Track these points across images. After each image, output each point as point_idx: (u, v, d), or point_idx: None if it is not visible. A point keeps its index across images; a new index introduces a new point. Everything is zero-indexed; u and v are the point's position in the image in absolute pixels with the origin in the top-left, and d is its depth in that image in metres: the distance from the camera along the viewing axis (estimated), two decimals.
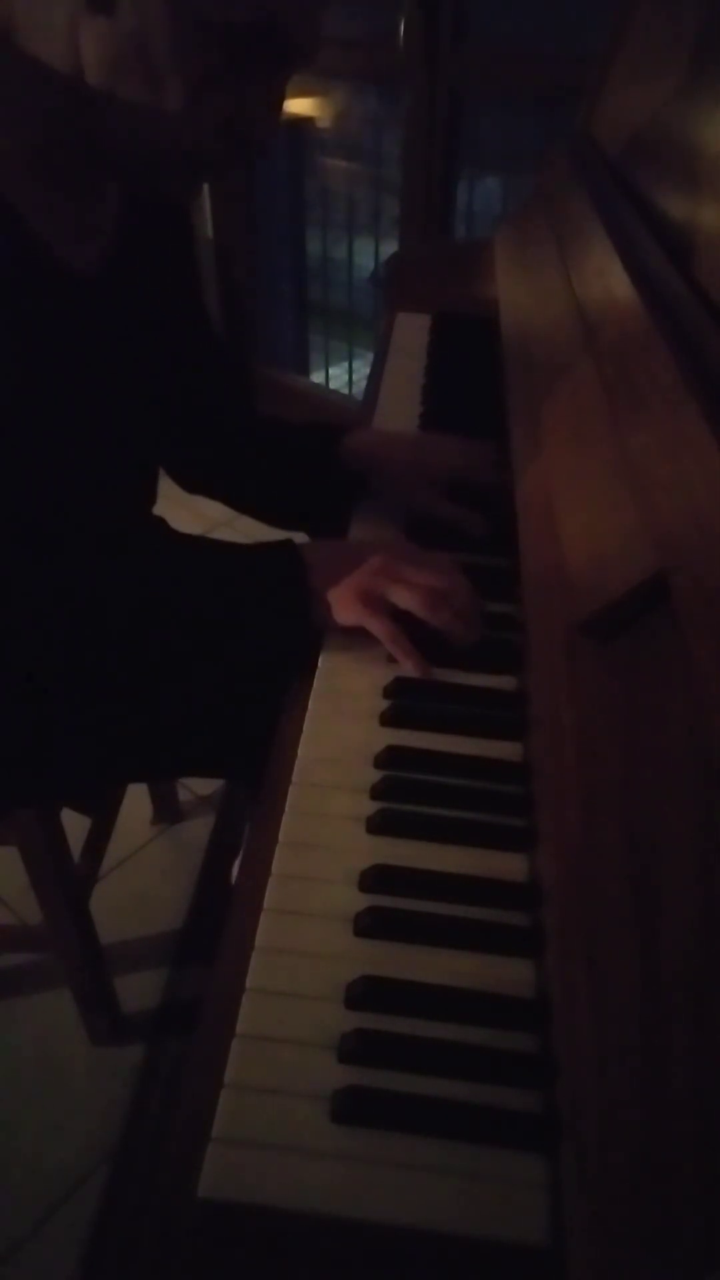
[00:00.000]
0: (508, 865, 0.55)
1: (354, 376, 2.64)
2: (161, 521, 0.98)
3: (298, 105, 2.31)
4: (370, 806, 0.58)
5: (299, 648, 0.71)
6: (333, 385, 2.71)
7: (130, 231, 0.72)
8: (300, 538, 0.74)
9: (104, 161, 0.63)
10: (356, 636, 0.71)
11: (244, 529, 0.73)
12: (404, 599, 0.67)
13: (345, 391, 2.65)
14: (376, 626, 0.68)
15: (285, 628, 0.69)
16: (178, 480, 1.01)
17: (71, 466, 0.70)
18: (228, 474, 0.99)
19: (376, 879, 0.53)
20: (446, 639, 0.68)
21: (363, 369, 2.54)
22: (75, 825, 1.02)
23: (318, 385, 2.72)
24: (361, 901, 0.52)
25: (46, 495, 0.69)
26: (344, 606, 0.68)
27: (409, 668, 0.68)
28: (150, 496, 0.93)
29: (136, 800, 1.43)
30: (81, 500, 0.72)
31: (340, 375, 2.69)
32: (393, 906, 0.52)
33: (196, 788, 1.55)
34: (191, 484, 1.02)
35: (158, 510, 0.98)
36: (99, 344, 0.69)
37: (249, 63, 0.57)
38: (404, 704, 0.65)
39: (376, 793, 0.59)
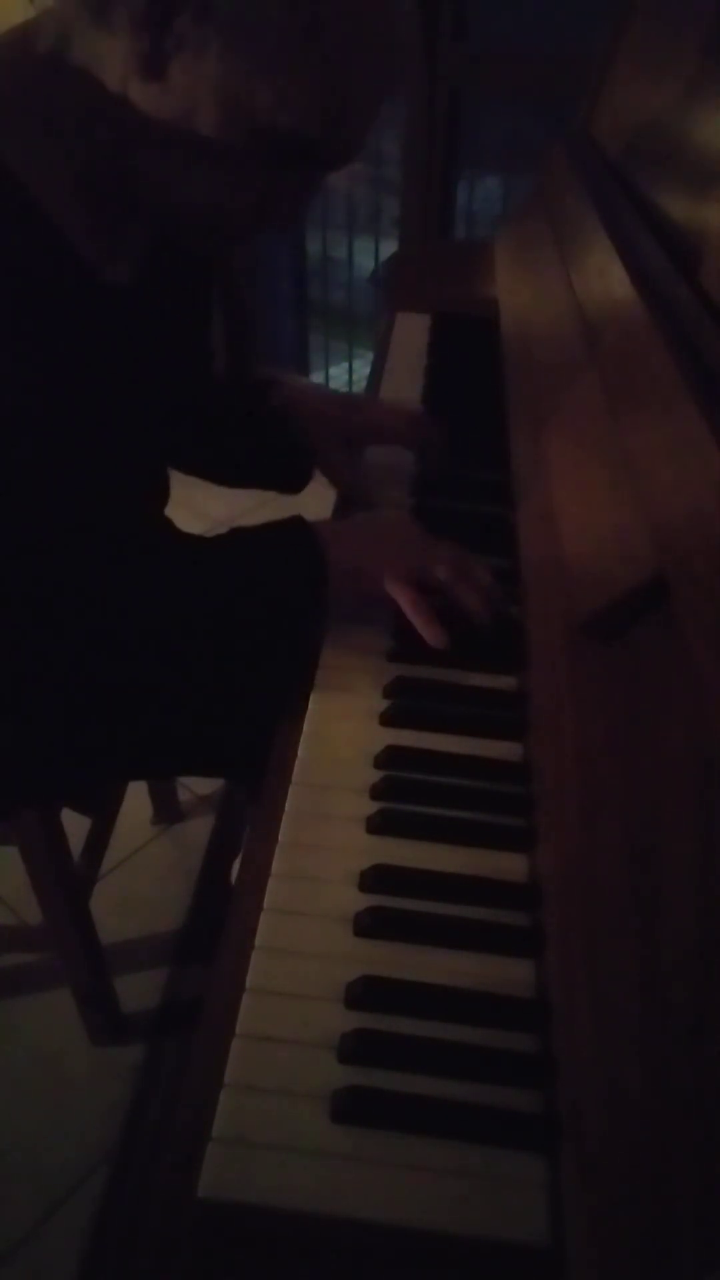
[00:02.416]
0: (508, 865, 0.55)
1: (354, 376, 2.64)
2: (168, 522, 0.98)
3: None
4: (370, 806, 0.58)
5: (316, 622, 0.72)
6: (333, 385, 2.71)
7: (161, 251, 0.73)
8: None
9: (138, 198, 0.63)
10: (356, 636, 0.71)
11: None
12: (441, 571, 0.70)
13: (345, 391, 2.65)
14: (406, 595, 0.69)
15: (305, 604, 0.71)
16: None
17: (95, 468, 0.70)
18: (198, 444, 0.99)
19: (376, 879, 0.53)
20: (465, 614, 0.70)
21: (363, 369, 2.54)
22: (75, 825, 1.02)
23: (318, 385, 2.72)
24: (361, 901, 0.52)
25: (68, 495, 0.69)
26: (377, 577, 0.70)
27: (430, 635, 0.69)
28: (164, 497, 0.93)
29: (136, 800, 1.43)
30: (102, 500, 0.73)
31: (340, 375, 2.69)
32: (393, 906, 0.52)
33: (196, 788, 1.55)
34: None
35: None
36: (124, 349, 0.69)
37: (287, 161, 0.58)
38: (404, 704, 0.65)
39: (376, 793, 0.59)
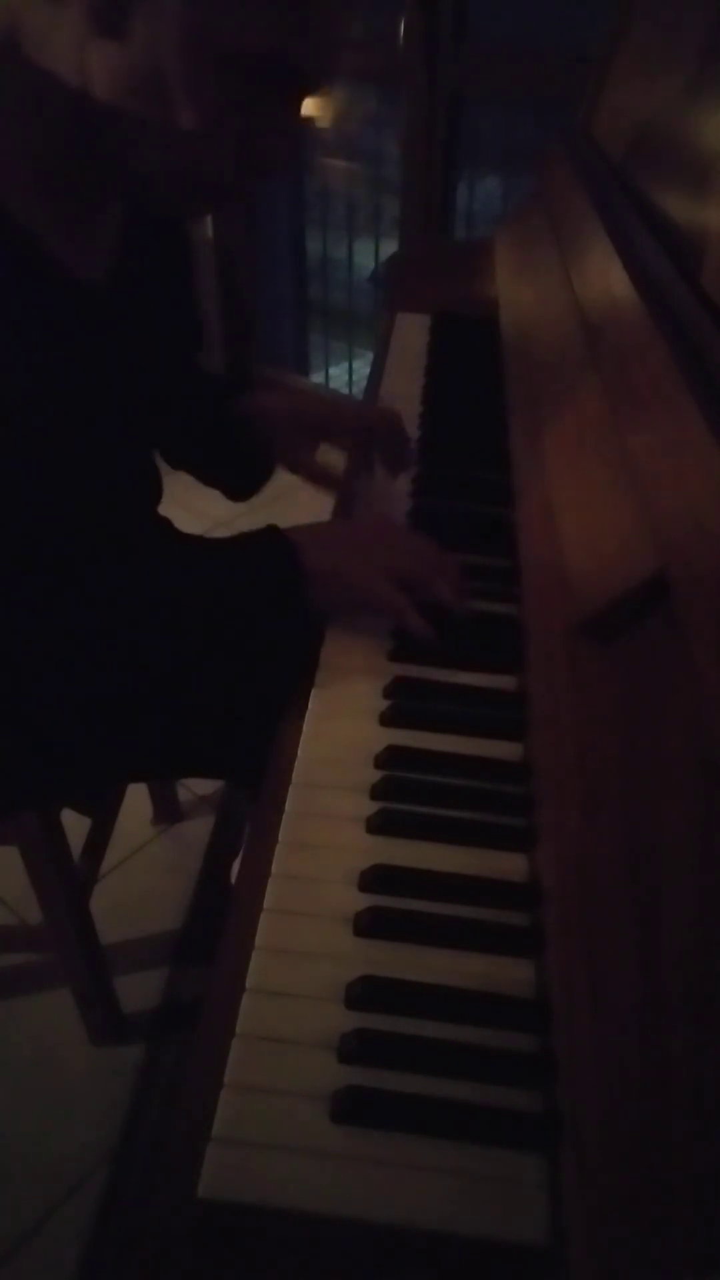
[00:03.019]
0: (508, 865, 0.55)
1: (354, 376, 2.64)
2: (167, 523, 0.98)
3: None
4: (370, 806, 0.58)
5: (297, 630, 0.72)
6: (333, 385, 2.71)
7: (133, 239, 0.72)
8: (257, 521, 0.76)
9: (108, 176, 0.62)
10: (356, 636, 0.71)
11: (244, 528, 0.73)
12: (414, 568, 0.71)
13: (345, 391, 2.65)
14: (384, 596, 0.70)
15: (283, 611, 0.71)
16: None
17: (78, 470, 0.70)
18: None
19: (376, 879, 0.53)
20: (440, 606, 0.71)
21: (363, 369, 2.54)
22: (75, 825, 1.02)
23: (318, 385, 2.72)
24: (361, 901, 0.52)
25: (52, 499, 0.69)
26: (353, 581, 0.71)
27: (415, 630, 0.70)
28: (155, 494, 0.93)
29: (136, 800, 1.43)
30: (87, 503, 0.72)
31: (340, 375, 2.69)
32: (393, 906, 0.52)
33: (196, 788, 1.55)
34: None
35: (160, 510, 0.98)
36: (104, 350, 0.69)
37: (263, 89, 0.56)
38: (404, 704, 0.65)
39: (376, 793, 0.59)
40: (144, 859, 1.43)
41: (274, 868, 0.54)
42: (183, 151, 0.57)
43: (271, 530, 0.72)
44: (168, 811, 1.49)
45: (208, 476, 1.00)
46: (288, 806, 0.58)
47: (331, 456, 0.97)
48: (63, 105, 0.56)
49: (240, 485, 0.97)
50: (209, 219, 2.46)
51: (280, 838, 0.56)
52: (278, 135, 0.60)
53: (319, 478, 0.97)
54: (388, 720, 0.64)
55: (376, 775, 0.60)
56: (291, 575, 0.70)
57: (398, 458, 0.93)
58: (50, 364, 0.63)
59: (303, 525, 0.74)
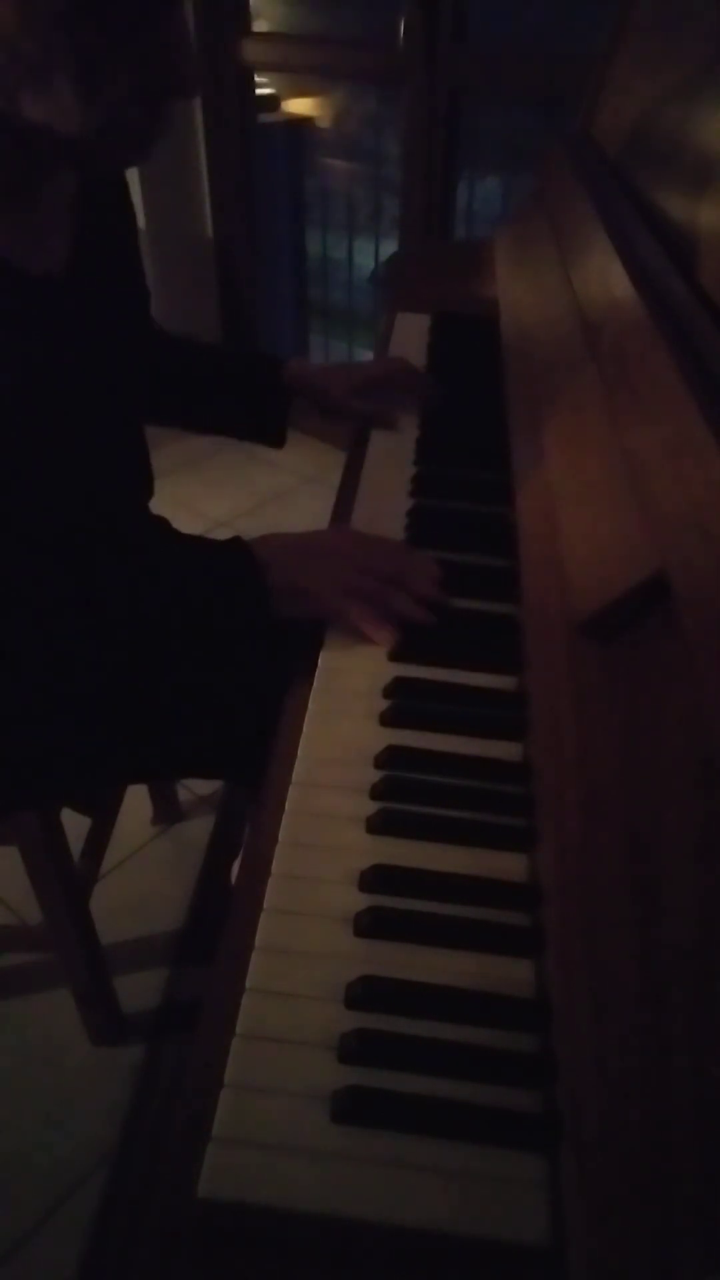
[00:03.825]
0: (508, 865, 0.55)
1: None
2: (164, 522, 0.98)
3: (298, 105, 2.31)
4: (370, 806, 0.58)
5: (263, 639, 0.73)
6: None
7: (86, 221, 0.72)
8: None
9: (30, 164, 0.62)
10: (356, 636, 0.71)
11: (244, 528, 0.73)
12: (376, 579, 0.72)
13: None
14: (347, 611, 0.71)
15: (248, 623, 0.72)
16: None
17: (61, 465, 0.70)
18: (173, 399, 1.04)
19: (376, 879, 0.53)
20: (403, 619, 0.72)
21: None
22: (75, 825, 1.03)
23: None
24: (361, 901, 0.52)
25: (38, 497, 0.69)
26: (317, 595, 0.71)
27: (381, 639, 0.70)
28: (147, 490, 0.93)
29: (136, 800, 1.43)
30: (73, 498, 0.72)
31: None
32: (393, 906, 0.52)
33: (196, 788, 1.55)
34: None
35: (159, 510, 0.98)
36: (73, 342, 0.68)
37: (123, 22, 0.54)
38: (404, 704, 0.65)
39: (376, 793, 0.59)
40: (144, 859, 1.43)
41: (274, 868, 0.54)
42: (79, 117, 0.56)
43: (238, 547, 0.72)
44: (168, 811, 1.49)
45: (241, 429, 1.08)
46: (288, 806, 0.58)
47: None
48: None
49: (273, 429, 1.05)
50: (209, 219, 2.46)
51: (280, 838, 0.56)
52: (166, 62, 0.58)
53: (370, 418, 1.02)
54: (388, 720, 0.64)
55: (376, 775, 0.60)
56: (256, 593, 0.70)
57: (420, 389, 1.05)
58: (17, 363, 0.63)
59: (270, 537, 0.74)
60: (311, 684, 0.68)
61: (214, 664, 0.77)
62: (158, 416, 1.02)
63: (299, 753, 0.62)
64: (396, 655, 0.70)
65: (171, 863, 1.43)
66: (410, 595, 0.72)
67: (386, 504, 0.89)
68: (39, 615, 0.68)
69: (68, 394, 0.68)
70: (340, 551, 0.74)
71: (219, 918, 0.52)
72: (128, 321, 0.77)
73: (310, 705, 0.66)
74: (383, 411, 1.03)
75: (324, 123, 2.32)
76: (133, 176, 1.31)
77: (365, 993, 0.47)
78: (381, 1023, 0.46)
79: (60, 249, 0.68)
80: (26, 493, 0.68)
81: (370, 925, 0.51)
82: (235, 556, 0.72)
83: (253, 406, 1.05)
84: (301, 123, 2.33)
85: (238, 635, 0.72)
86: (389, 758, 0.61)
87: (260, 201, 2.46)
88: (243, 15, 2.17)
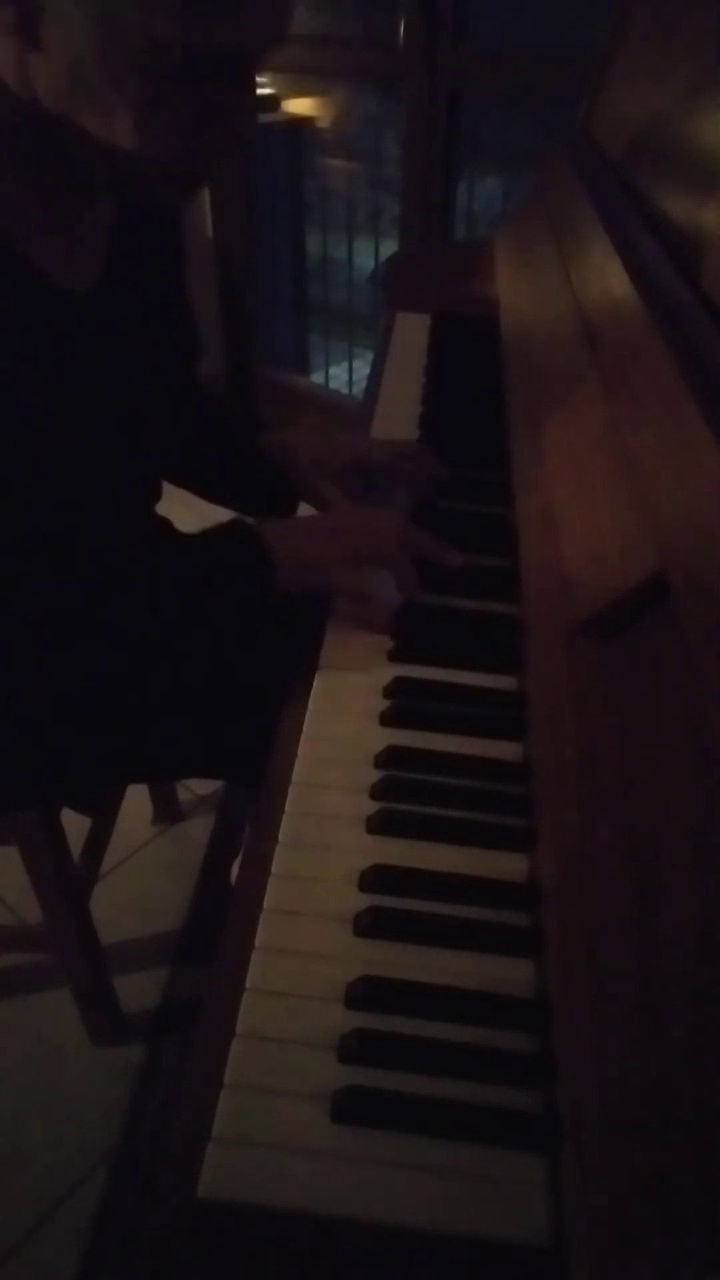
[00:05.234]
0: (508, 865, 0.55)
1: (354, 376, 2.64)
2: (167, 523, 0.98)
3: (298, 105, 2.31)
4: (370, 806, 0.58)
5: (268, 625, 0.73)
6: (333, 385, 2.70)
7: (123, 240, 0.72)
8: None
9: (79, 180, 0.62)
10: (356, 636, 0.71)
11: None
12: (380, 553, 0.73)
13: (345, 391, 2.65)
14: (348, 584, 0.73)
15: (254, 600, 0.72)
16: None
17: (74, 475, 0.70)
18: (183, 456, 0.99)
19: (376, 879, 0.53)
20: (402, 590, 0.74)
21: (363, 369, 2.54)
22: (75, 825, 1.02)
23: (318, 385, 2.72)
24: (361, 901, 0.52)
25: (49, 503, 0.69)
26: (323, 567, 0.72)
27: (378, 619, 0.72)
28: (155, 495, 0.93)
29: (136, 800, 1.43)
30: (84, 506, 0.72)
31: (340, 375, 2.69)
32: (393, 906, 0.52)
33: (196, 788, 1.55)
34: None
35: (159, 509, 0.98)
36: (97, 356, 0.69)
37: (195, 77, 0.55)
38: (404, 704, 0.65)
39: (376, 793, 0.59)
40: (144, 859, 1.43)
41: (274, 868, 0.54)
42: (135, 148, 0.57)
43: (239, 523, 0.73)
44: (168, 811, 1.49)
45: (242, 501, 1.01)
46: (288, 806, 0.58)
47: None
48: (21, 118, 0.57)
49: (276, 507, 0.97)
50: (209, 218, 2.46)
51: (280, 838, 0.56)
52: (227, 119, 0.59)
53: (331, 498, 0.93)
54: (388, 720, 0.64)
55: (376, 775, 0.60)
56: (260, 564, 0.70)
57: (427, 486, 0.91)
58: (40, 373, 0.63)
59: (270, 520, 0.75)
60: (312, 684, 0.68)
61: (220, 650, 0.77)
62: (185, 483, 1.00)
63: (299, 753, 0.62)
64: (396, 655, 0.70)
65: (171, 863, 1.43)
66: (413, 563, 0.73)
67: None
68: (44, 616, 0.68)
69: (87, 403, 0.68)
70: (343, 526, 0.76)
71: (219, 918, 0.52)
72: (157, 345, 0.78)
73: (310, 705, 0.66)
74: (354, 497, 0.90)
75: (324, 123, 2.31)
76: None
77: (365, 993, 0.47)
78: (381, 1023, 0.46)
79: (92, 267, 0.68)
80: (36, 496, 0.68)
81: (370, 925, 0.51)
82: (238, 532, 0.73)
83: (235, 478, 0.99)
84: (301, 123, 2.33)
85: (244, 611, 0.72)
86: (389, 758, 0.61)
87: (260, 201, 2.46)
88: None
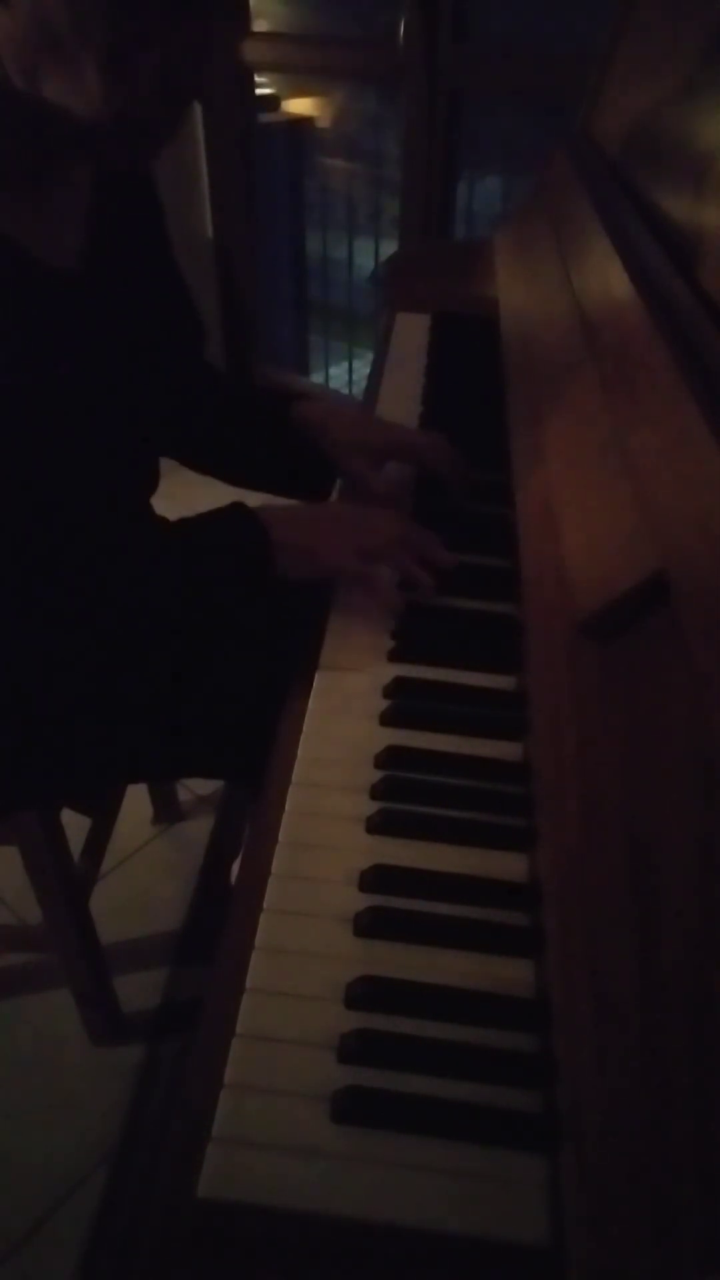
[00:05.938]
0: (508, 865, 0.55)
1: (354, 376, 2.64)
2: (164, 521, 0.98)
3: (298, 105, 2.31)
4: (370, 806, 0.58)
5: (278, 610, 0.74)
6: (333, 385, 2.71)
7: (103, 217, 0.72)
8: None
9: (49, 148, 0.62)
10: (356, 636, 0.71)
11: None
12: (382, 544, 0.73)
13: (345, 391, 2.65)
14: (353, 568, 0.73)
15: (254, 582, 0.71)
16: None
17: (68, 460, 0.70)
18: (194, 437, 0.99)
19: (376, 879, 0.53)
20: (411, 584, 0.74)
21: (363, 369, 2.54)
22: (75, 825, 1.02)
23: (318, 385, 2.72)
24: (361, 901, 0.52)
25: (41, 491, 0.69)
26: (323, 553, 0.72)
27: (385, 598, 0.73)
28: (151, 485, 0.92)
29: (136, 800, 1.43)
30: (78, 493, 0.72)
31: (340, 375, 2.69)
32: (393, 906, 0.52)
33: (196, 788, 1.55)
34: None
35: (159, 510, 0.98)
36: (84, 335, 0.69)
37: (155, 19, 0.55)
38: (404, 704, 0.65)
39: (376, 793, 0.59)
40: (144, 859, 1.43)
41: (274, 868, 0.54)
42: (99, 102, 0.57)
43: (238, 506, 0.73)
44: (168, 811, 1.49)
45: (279, 485, 0.99)
46: (288, 806, 0.58)
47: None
48: None
49: (315, 486, 0.96)
50: (209, 218, 2.46)
51: (280, 838, 0.56)
52: (191, 60, 0.59)
53: (381, 497, 0.90)
54: (388, 720, 0.64)
55: (376, 775, 0.60)
56: (259, 546, 0.70)
57: (457, 478, 0.91)
58: (27, 352, 0.63)
59: (270, 505, 0.74)
60: (311, 684, 0.68)
61: (219, 635, 0.77)
62: (202, 465, 0.99)
63: (299, 753, 0.62)
64: (396, 655, 0.70)
65: (171, 863, 1.43)
66: (414, 558, 0.73)
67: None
68: (42, 612, 0.68)
69: (76, 384, 0.68)
70: (343, 517, 0.76)
71: (219, 918, 0.52)
72: (147, 321, 0.77)
73: (310, 705, 0.66)
74: (394, 499, 0.90)
75: (324, 123, 2.32)
76: None
77: (365, 993, 0.47)
78: (381, 1023, 0.46)
79: (73, 243, 0.68)
80: (29, 484, 0.68)
81: (370, 925, 0.51)
82: (237, 514, 0.72)
83: (260, 457, 0.97)
84: (301, 123, 2.33)
85: (242, 594, 0.71)
86: (389, 758, 0.61)
87: (260, 201, 2.46)
88: (243, 15, 2.17)
